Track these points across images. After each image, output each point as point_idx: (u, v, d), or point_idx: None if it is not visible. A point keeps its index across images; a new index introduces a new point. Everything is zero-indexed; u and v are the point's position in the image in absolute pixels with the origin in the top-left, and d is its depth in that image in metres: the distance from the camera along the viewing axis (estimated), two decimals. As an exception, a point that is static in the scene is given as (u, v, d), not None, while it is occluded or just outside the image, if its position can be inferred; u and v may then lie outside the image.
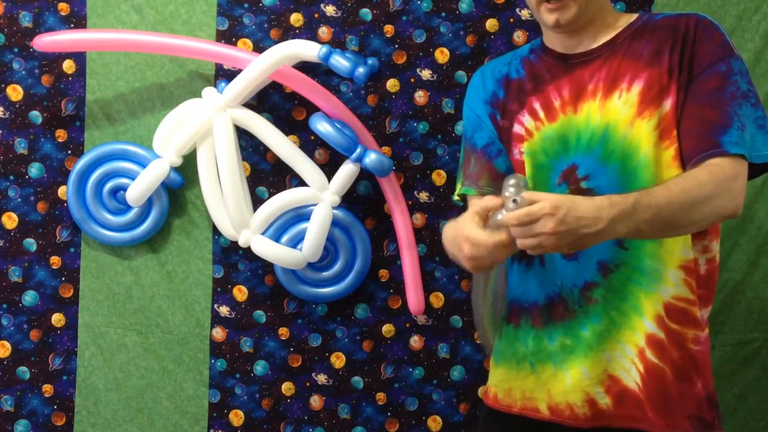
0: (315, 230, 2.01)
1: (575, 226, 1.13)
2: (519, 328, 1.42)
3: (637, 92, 1.31)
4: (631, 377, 1.32)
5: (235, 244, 2.09)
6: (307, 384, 2.15)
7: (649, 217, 1.17)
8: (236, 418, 2.14)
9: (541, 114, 1.39)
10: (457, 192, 1.52)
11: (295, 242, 2.07)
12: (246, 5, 2.11)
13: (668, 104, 1.30)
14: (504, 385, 1.44)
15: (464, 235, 1.21)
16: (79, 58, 2.11)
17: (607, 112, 1.32)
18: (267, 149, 2.09)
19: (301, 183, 2.09)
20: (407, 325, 2.15)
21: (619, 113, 1.31)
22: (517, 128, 1.42)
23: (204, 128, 2.01)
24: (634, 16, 1.40)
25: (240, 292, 2.15)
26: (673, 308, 1.32)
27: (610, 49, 1.36)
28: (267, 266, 2.12)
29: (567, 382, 1.35)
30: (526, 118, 1.41)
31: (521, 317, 1.41)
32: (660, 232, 1.23)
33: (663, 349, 1.31)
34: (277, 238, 2.07)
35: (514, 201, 1.15)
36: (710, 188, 1.22)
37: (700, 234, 1.33)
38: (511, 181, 1.19)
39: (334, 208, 2.05)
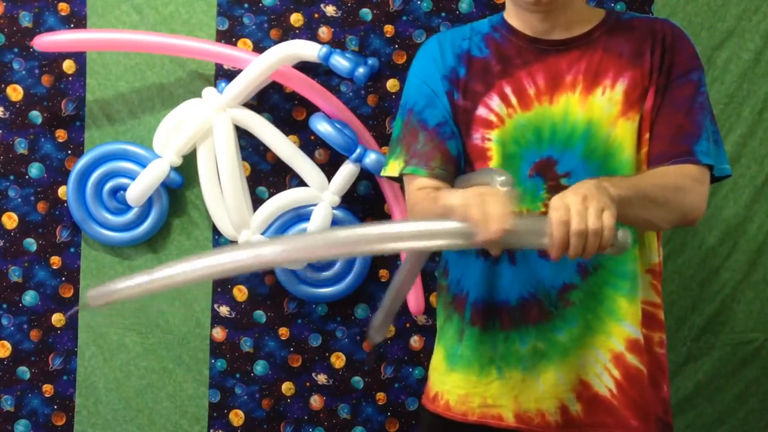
0: (315, 230, 2.01)
1: (603, 198, 1.07)
2: (485, 330, 1.33)
3: (622, 91, 1.29)
4: (603, 383, 1.29)
5: (235, 243, 2.09)
6: (307, 384, 2.15)
7: (624, 192, 1.13)
8: (236, 418, 2.14)
9: (514, 100, 1.32)
10: (400, 170, 1.37)
11: (295, 242, 2.07)
12: (246, 5, 2.11)
13: (646, 107, 1.30)
14: (459, 391, 1.35)
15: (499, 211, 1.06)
16: (79, 58, 2.11)
17: (589, 108, 1.29)
18: (267, 149, 2.09)
19: (301, 183, 2.09)
20: (407, 325, 2.15)
21: (603, 111, 1.29)
22: (483, 111, 1.33)
23: (204, 128, 2.01)
24: (603, 12, 1.38)
25: (240, 292, 2.15)
26: (645, 313, 1.31)
27: (587, 42, 1.33)
28: (267, 266, 2.13)
29: (539, 389, 1.30)
30: (496, 103, 1.33)
31: (488, 318, 1.33)
32: (645, 210, 1.20)
33: (642, 353, 1.29)
34: (277, 238, 2.07)
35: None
36: (680, 180, 1.24)
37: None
38: (502, 178, 1.13)
39: (334, 208, 2.05)
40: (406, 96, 1.41)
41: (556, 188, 1.24)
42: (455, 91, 1.35)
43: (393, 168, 1.38)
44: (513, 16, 1.38)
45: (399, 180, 1.41)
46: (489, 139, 1.32)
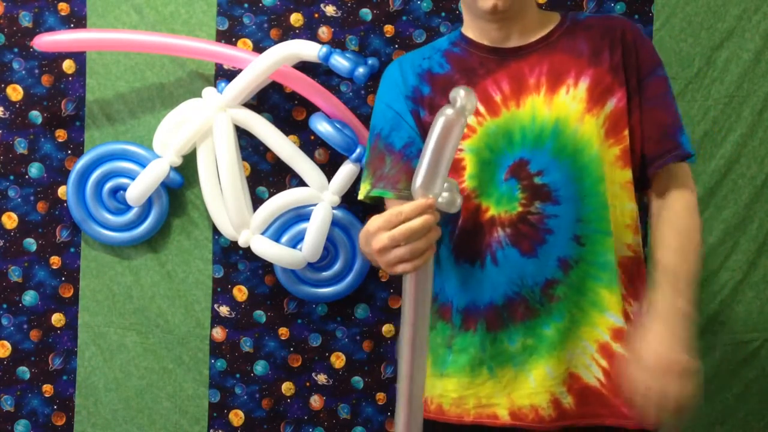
0: (315, 230, 2.01)
1: None
2: (475, 333, 1.35)
3: (585, 88, 1.33)
4: (592, 374, 1.31)
5: (235, 244, 2.10)
6: (307, 384, 2.15)
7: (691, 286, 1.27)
8: (236, 418, 2.14)
9: (482, 109, 1.35)
10: (366, 193, 1.41)
11: (295, 242, 2.07)
12: (246, 5, 2.11)
13: (612, 104, 1.33)
14: (453, 395, 1.36)
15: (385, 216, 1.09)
16: (79, 58, 2.11)
17: (555, 107, 1.32)
18: (267, 149, 2.09)
19: (301, 183, 2.09)
20: (407, 325, 2.15)
21: (569, 108, 1.32)
22: None
23: (204, 128, 2.01)
24: (558, 16, 1.41)
25: (240, 292, 2.15)
26: None
27: (546, 45, 1.36)
28: (267, 266, 2.13)
29: (531, 384, 1.31)
30: None
31: (476, 322, 1.35)
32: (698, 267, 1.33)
33: (626, 341, 1.31)
34: (277, 238, 2.07)
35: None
36: (695, 214, 1.36)
37: (631, 231, 1.36)
38: (445, 185, 1.09)
39: (333, 208, 2.06)
40: (373, 121, 1.45)
41: (530, 187, 1.31)
42: (420, 109, 1.39)
43: (366, 192, 1.42)
44: (470, 29, 1.42)
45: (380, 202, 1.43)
46: (461, 150, 1.35)
